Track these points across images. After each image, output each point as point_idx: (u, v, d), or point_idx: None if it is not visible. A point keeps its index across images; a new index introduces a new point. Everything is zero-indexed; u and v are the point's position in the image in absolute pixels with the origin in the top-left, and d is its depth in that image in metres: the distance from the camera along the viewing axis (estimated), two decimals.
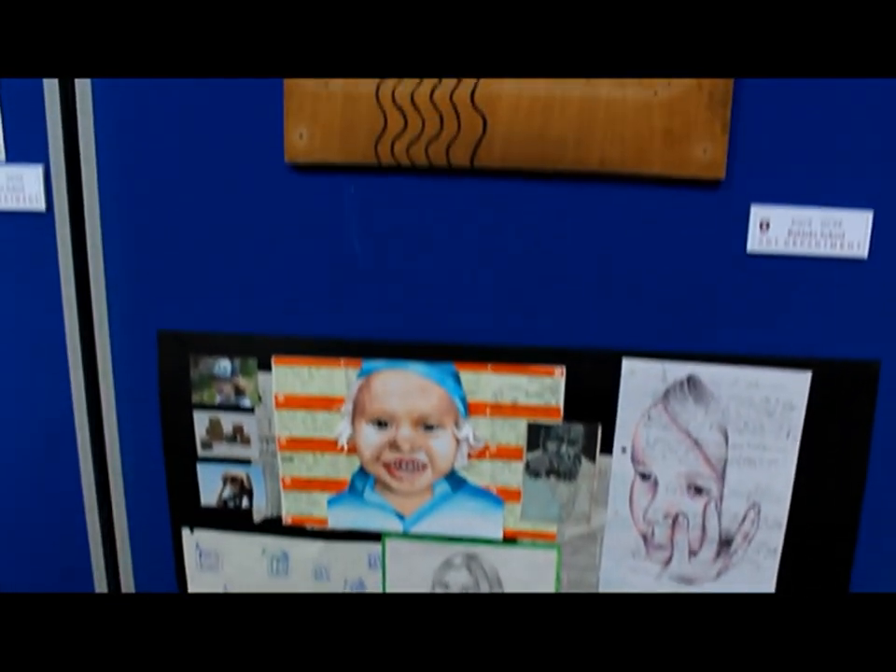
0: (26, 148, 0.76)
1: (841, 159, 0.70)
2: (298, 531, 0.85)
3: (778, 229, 0.72)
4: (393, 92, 0.70)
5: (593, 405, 0.78)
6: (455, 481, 0.81)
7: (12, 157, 0.76)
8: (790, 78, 0.67)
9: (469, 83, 0.69)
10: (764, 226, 0.72)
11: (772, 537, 0.79)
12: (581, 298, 0.75)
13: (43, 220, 0.77)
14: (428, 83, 0.70)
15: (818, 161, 0.70)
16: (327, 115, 0.71)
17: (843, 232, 0.72)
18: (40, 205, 0.77)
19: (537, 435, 0.79)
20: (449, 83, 0.70)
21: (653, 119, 0.69)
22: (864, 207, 0.71)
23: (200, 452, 0.83)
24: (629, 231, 0.73)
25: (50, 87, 0.73)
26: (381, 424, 0.80)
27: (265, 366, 0.79)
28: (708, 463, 0.78)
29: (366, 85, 0.70)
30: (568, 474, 0.80)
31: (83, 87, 0.73)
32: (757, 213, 0.72)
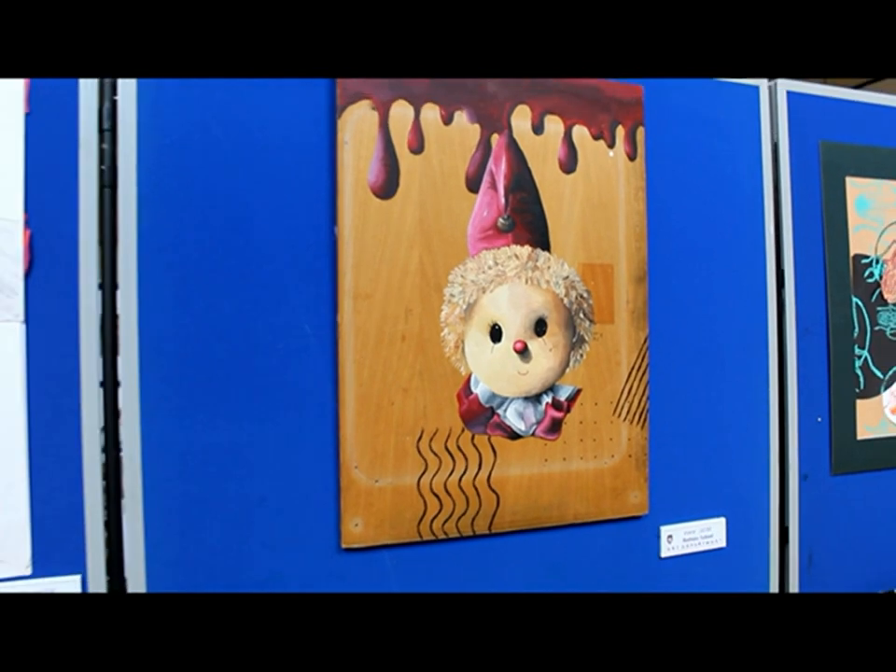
0: None
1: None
2: None
3: (678, 539, 1.04)
4: (431, 483, 0.87)
5: None
6: None
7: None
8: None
9: (486, 469, 0.90)
10: (669, 538, 1.03)
11: None
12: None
13: None
14: (458, 472, 0.89)
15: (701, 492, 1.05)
16: (378, 506, 0.85)
17: (712, 534, 1.06)
18: None
19: None
20: (472, 471, 0.89)
21: (605, 480, 0.97)
22: (720, 516, 1.07)
23: None
24: (586, 561, 0.99)
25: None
26: None
27: None
28: None
29: (410, 478, 0.86)
30: None
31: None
32: (665, 530, 1.03)
